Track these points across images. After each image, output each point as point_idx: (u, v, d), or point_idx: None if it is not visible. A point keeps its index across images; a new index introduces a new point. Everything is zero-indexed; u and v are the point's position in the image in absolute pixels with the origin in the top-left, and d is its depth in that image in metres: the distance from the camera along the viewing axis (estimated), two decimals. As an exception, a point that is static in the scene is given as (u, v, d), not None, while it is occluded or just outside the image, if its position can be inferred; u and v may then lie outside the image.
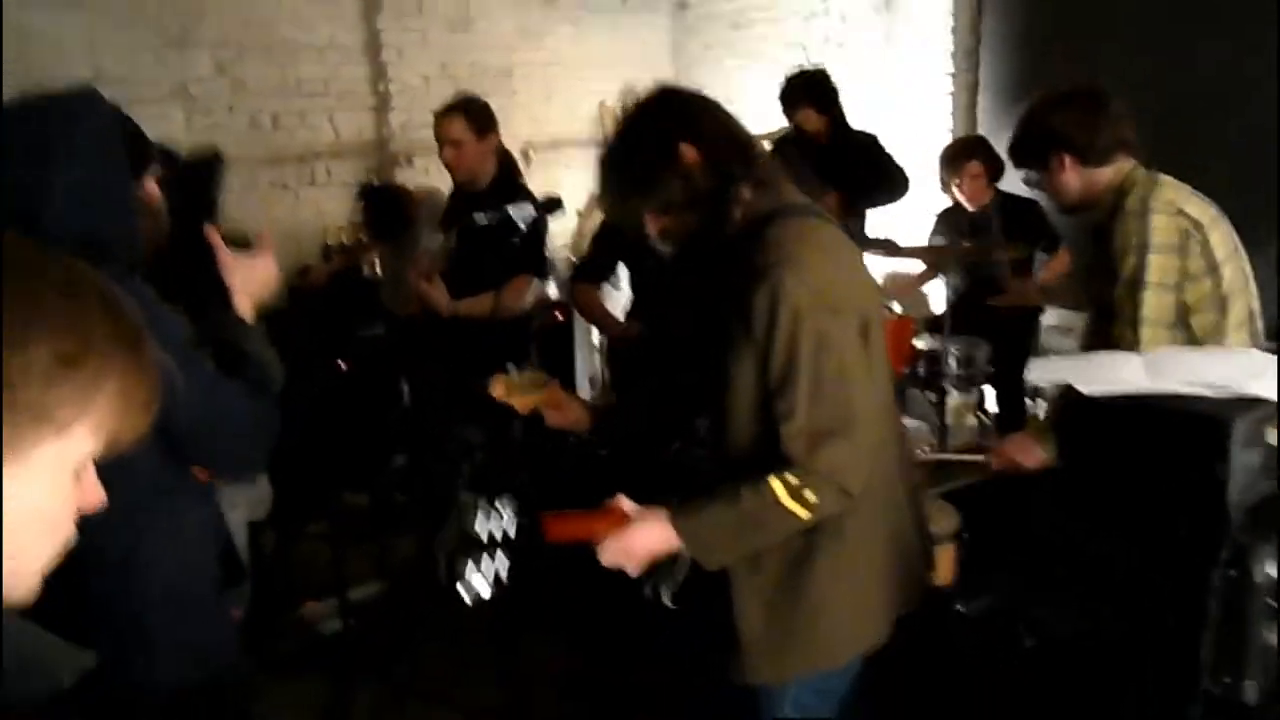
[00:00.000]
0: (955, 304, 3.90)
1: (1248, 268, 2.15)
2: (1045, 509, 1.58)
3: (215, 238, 1.64)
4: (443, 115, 3.55)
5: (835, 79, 4.83)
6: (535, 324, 3.56)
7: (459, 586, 1.63)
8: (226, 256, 1.63)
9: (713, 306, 1.69)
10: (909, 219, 4.81)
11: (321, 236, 5.83)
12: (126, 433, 0.73)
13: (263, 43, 5.66)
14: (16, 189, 1.36)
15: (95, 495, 0.75)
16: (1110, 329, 2.12)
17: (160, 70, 5.41)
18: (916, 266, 4.49)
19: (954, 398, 3.87)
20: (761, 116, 6.38)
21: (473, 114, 3.51)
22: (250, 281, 1.65)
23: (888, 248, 3.98)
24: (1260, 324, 2.16)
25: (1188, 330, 2.09)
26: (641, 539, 1.61)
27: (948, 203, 4.50)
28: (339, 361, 4.52)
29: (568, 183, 6.91)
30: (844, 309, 1.58)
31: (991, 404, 4.36)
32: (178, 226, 1.63)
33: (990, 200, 4.20)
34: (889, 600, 1.75)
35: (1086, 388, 1.37)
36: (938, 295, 4.62)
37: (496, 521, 1.67)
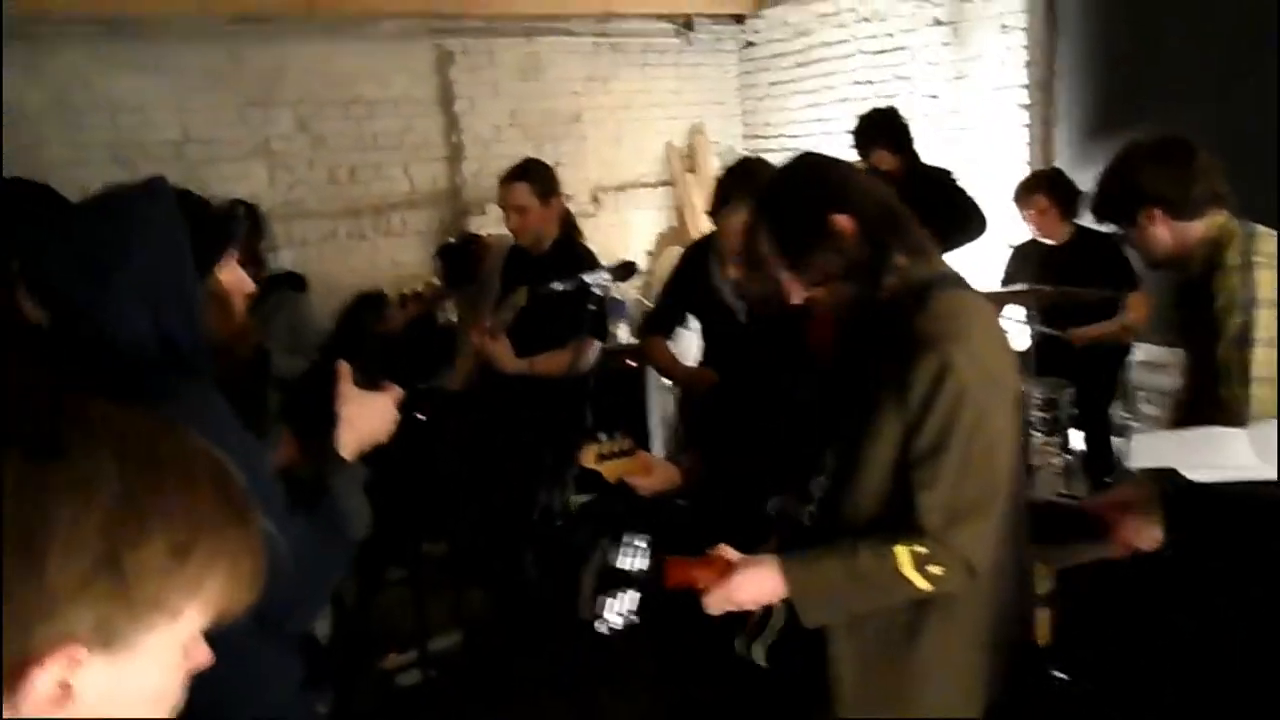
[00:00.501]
0: (1037, 343, 3.78)
1: None
2: (1150, 590, 1.50)
3: (343, 368, 1.58)
4: (506, 182, 3.57)
5: (906, 115, 4.78)
6: (593, 382, 3.56)
7: (597, 623, 1.64)
8: (347, 388, 1.56)
9: (855, 369, 1.66)
10: (985, 254, 4.71)
11: (397, 285, 5.96)
12: (235, 606, 0.74)
13: (341, 99, 5.84)
14: (77, 288, 1.35)
15: (203, 656, 0.75)
16: (1210, 386, 2.02)
17: (243, 129, 5.62)
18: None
19: (1038, 440, 3.75)
20: (830, 153, 6.35)
21: (536, 179, 3.53)
22: (362, 418, 1.55)
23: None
24: None
25: None
26: (748, 586, 1.59)
27: (1025, 236, 4.40)
28: (416, 413, 4.60)
29: (637, 223, 6.97)
30: (1003, 386, 1.58)
31: (1078, 444, 4.22)
32: (326, 352, 1.62)
33: (1068, 235, 4.08)
34: (992, 672, 1.69)
35: (1194, 474, 1.30)
36: (1018, 332, 4.50)
37: (634, 558, 1.69)
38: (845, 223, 1.62)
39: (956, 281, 1.66)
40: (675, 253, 6.93)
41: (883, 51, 5.87)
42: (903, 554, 1.51)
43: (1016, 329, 4.27)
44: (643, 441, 4.64)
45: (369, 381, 1.61)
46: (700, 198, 6.90)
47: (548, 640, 3.60)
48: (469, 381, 4.13)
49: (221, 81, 5.51)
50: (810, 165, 1.74)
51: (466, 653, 3.92)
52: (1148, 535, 2.05)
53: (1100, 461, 3.92)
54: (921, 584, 1.53)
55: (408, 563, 4.30)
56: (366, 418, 1.56)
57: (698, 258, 3.34)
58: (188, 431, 0.75)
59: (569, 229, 3.73)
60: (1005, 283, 4.41)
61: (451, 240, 4.70)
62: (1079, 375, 3.81)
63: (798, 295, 1.68)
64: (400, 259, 6.07)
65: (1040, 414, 3.71)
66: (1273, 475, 1.28)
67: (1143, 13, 4.43)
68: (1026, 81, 5.00)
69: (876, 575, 1.53)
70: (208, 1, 4.95)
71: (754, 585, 1.58)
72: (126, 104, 5.34)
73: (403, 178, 6.09)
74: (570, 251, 3.56)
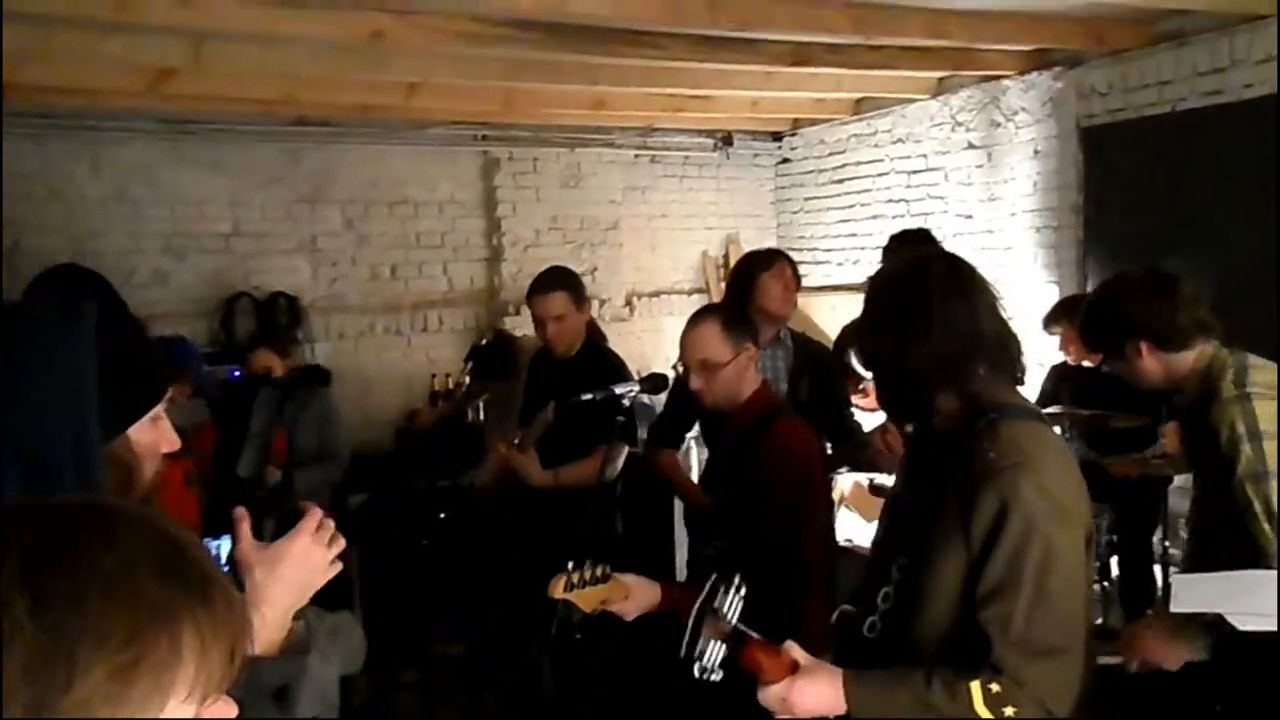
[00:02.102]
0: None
1: None
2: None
3: (239, 519, 1.18)
4: (543, 293, 3.53)
5: (938, 234, 4.84)
6: (620, 488, 3.54)
7: (697, 667, 1.58)
8: (246, 549, 1.16)
9: (924, 485, 1.63)
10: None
11: (430, 382, 6.04)
12: (219, 683, 0.66)
13: (388, 200, 6.04)
14: None
15: (226, 710, 0.67)
16: (1233, 520, 1.99)
17: (292, 225, 5.81)
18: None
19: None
20: (863, 267, 6.43)
21: (571, 287, 3.56)
22: (276, 588, 1.15)
23: None
24: None
25: None
26: (810, 694, 1.53)
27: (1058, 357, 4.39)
28: (440, 512, 4.60)
29: (670, 329, 7.04)
30: (1074, 520, 1.51)
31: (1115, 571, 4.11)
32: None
33: (1101, 360, 4.06)
34: None
35: (1242, 623, 1.27)
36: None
37: (735, 605, 1.64)
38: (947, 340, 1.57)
39: (1026, 413, 1.61)
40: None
41: (916, 171, 5.99)
42: (976, 691, 1.44)
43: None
44: (669, 549, 4.57)
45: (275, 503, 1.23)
46: (733, 306, 6.98)
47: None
48: (496, 485, 4.10)
49: (277, 180, 5.73)
50: (943, 264, 1.69)
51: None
52: (1173, 654, 1.98)
53: (1139, 591, 3.80)
54: None
55: (421, 664, 4.23)
56: (284, 585, 1.17)
57: None
58: (116, 514, 0.65)
59: (594, 335, 3.77)
60: (1040, 403, 4.38)
61: (484, 340, 4.77)
62: (1118, 501, 3.73)
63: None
64: (435, 355, 6.16)
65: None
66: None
67: (1173, 142, 4.51)
68: (1058, 205, 5.07)
69: (948, 709, 1.46)
70: (270, 105, 5.19)
71: (815, 694, 1.53)
72: (185, 198, 5.56)
73: (442, 277, 6.23)
74: (598, 358, 3.59)
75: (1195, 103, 4.41)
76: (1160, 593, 3.82)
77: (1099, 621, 3.97)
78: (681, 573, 4.26)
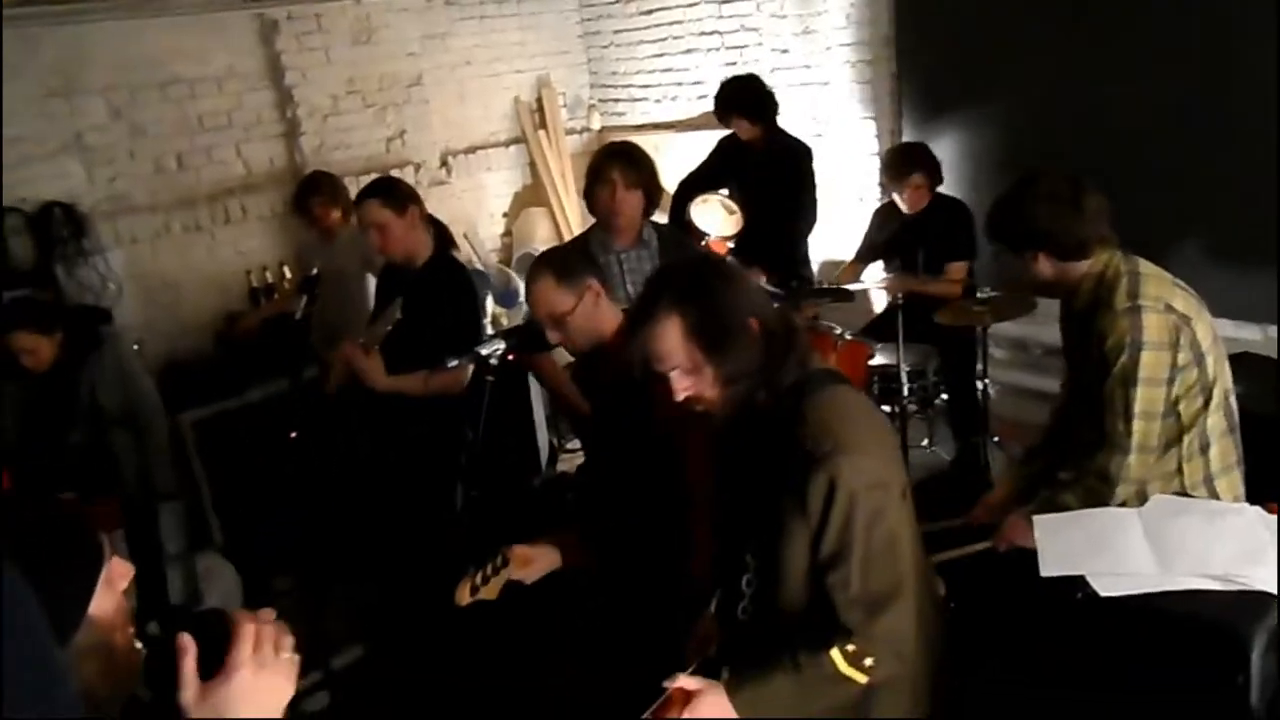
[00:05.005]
0: (903, 312, 3.91)
1: (1223, 351, 2.22)
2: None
3: (186, 650, 1.02)
4: (359, 202, 3.47)
5: (757, 72, 4.80)
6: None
7: None
8: (190, 696, 1.02)
9: (749, 471, 1.73)
10: (840, 212, 4.85)
11: (246, 279, 5.62)
12: None
13: (156, 80, 5.34)
14: None
15: None
16: (1095, 414, 2.17)
17: (48, 123, 5.08)
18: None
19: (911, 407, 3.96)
20: (681, 104, 6.31)
21: (387, 194, 3.40)
22: None
23: (836, 294, 3.95)
24: (1233, 400, 2.25)
25: (1176, 417, 2.16)
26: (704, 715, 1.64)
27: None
28: (290, 432, 4.41)
29: (492, 185, 6.77)
30: (890, 481, 1.67)
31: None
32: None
33: (926, 202, 4.22)
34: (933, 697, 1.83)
35: (1105, 590, 1.41)
36: (878, 296, 4.68)
37: None
38: (755, 326, 1.69)
39: (826, 379, 1.74)
40: (534, 214, 6.79)
41: (729, 1, 5.80)
42: (837, 656, 1.63)
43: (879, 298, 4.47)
44: (529, 432, 4.60)
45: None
46: (553, 154, 6.75)
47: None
48: (341, 386, 3.92)
49: (19, 73, 4.93)
50: (727, 266, 1.81)
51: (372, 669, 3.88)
52: (1028, 535, 2.22)
53: (965, 418, 4.15)
54: (860, 678, 1.64)
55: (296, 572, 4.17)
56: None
57: None
58: None
59: (443, 243, 3.61)
60: (864, 243, 4.55)
61: (315, 270, 4.40)
62: (943, 343, 4.01)
63: (698, 389, 1.72)
64: (244, 247, 5.71)
65: (911, 385, 3.90)
66: (1169, 585, 1.42)
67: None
68: (870, 39, 5.07)
69: (820, 682, 1.63)
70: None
71: (710, 714, 1.64)
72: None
73: (236, 160, 5.66)
74: (447, 272, 3.46)
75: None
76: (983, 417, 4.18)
77: (931, 450, 4.37)
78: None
